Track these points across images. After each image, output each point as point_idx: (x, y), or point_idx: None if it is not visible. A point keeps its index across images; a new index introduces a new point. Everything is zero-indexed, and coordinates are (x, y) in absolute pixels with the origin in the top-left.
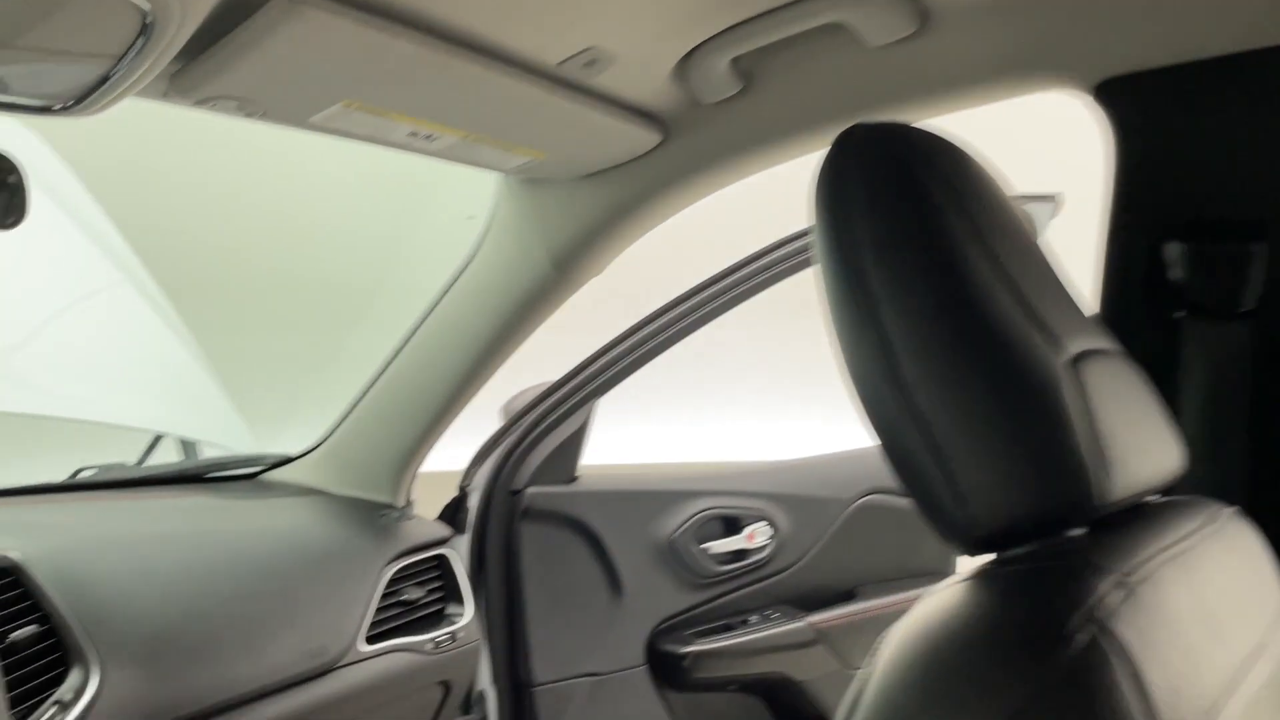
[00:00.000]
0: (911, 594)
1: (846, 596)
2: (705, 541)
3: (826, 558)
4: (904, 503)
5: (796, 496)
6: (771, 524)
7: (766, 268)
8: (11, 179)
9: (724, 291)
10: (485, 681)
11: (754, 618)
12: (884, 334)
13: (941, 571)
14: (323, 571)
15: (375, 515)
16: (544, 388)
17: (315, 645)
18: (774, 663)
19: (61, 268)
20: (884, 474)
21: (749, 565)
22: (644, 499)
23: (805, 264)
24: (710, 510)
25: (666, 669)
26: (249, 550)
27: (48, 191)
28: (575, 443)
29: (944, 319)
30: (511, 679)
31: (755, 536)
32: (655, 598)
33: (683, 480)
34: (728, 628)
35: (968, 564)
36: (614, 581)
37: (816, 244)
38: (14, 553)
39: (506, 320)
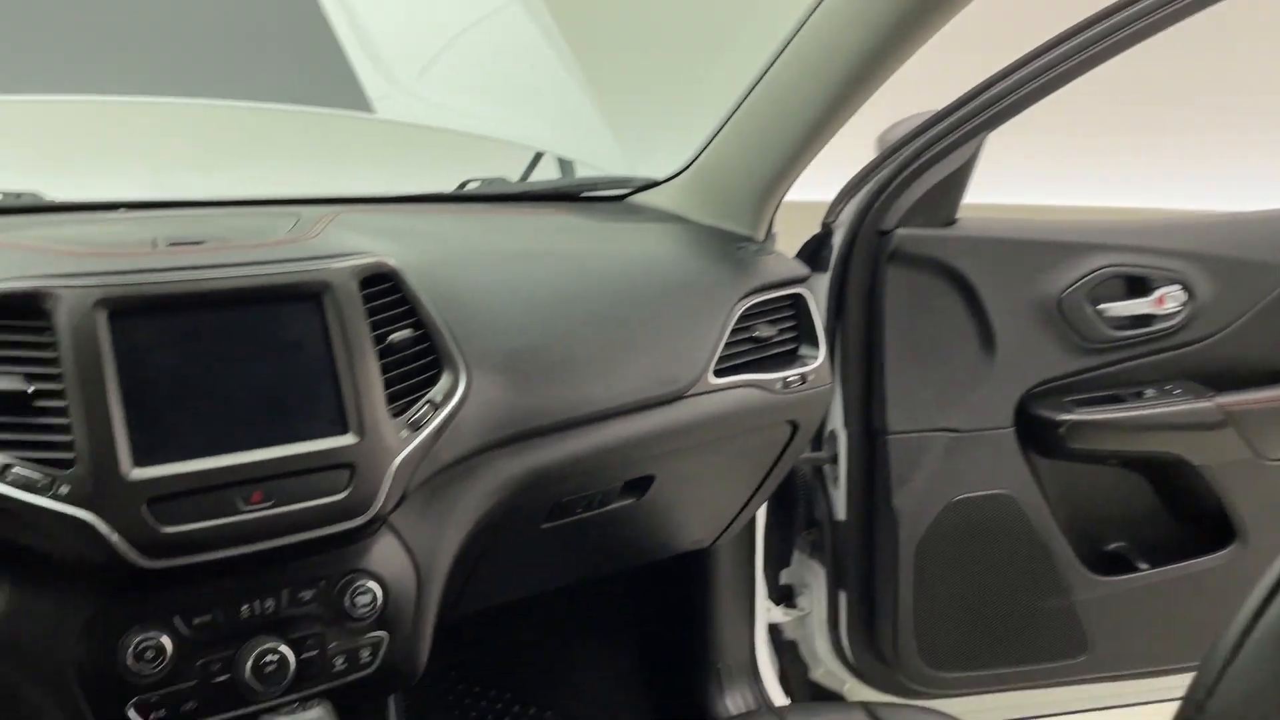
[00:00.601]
0: None
1: (1272, 379)
2: (1101, 302)
3: (1254, 331)
4: None
5: (1226, 258)
6: (1187, 288)
7: None
8: None
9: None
10: (837, 423)
11: (1150, 391)
12: None
13: None
14: (678, 301)
15: (733, 247)
16: (927, 116)
17: (666, 373)
18: (1167, 442)
19: None
20: None
21: (1152, 333)
22: (1032, 250)
23: None
24: (1112, 268)
25: (1037, 434)
26: (611, 274)
27: None
28: (957, 181)
29: None
30: (864, 424)
31: (1165, 301)
32: (1032, 359)
33: (1081, 231)
34: (1115, 399)
35: None
36: (986, 337)
37: None
38: (392, 259)
39: (885, 35)
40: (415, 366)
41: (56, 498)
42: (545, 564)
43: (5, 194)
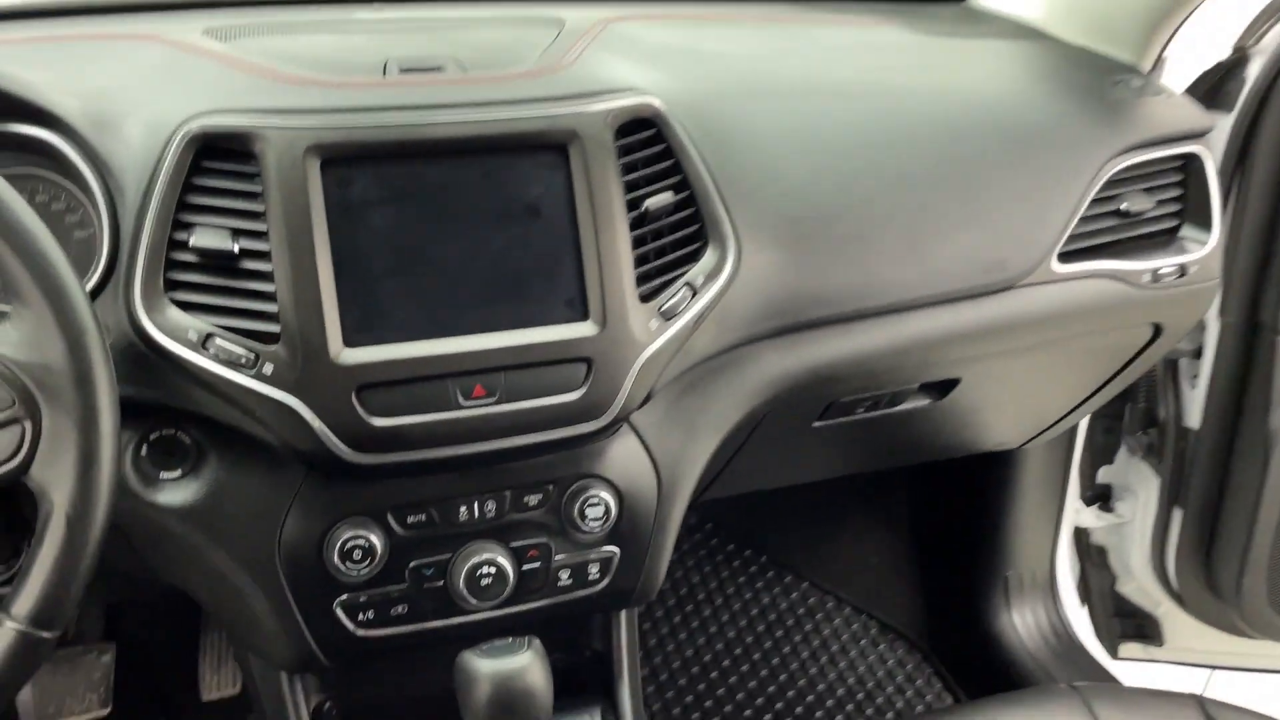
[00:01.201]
0: None
1: None
2: None
3: None
4: None
5: None
6: None
7: None
8: None
9: None
10: (1210, 312)
11: None
12: None
13: None
14: (1021, 158)
15: (1107, 82)
16: None
17: (994, 255)
18: None
19: None
20: None
21: None
22: None
23: None
24: None
25: None
26: (936, 117)
27: None
28: None
29: None
30: (1247, 316)
31: None
32: None
33: None
34: None
35: None
36: None
37: None
38: (659, 99)
39: None
40: (674, 239)
41: (259, 378)
42: (811, 460)
43: None
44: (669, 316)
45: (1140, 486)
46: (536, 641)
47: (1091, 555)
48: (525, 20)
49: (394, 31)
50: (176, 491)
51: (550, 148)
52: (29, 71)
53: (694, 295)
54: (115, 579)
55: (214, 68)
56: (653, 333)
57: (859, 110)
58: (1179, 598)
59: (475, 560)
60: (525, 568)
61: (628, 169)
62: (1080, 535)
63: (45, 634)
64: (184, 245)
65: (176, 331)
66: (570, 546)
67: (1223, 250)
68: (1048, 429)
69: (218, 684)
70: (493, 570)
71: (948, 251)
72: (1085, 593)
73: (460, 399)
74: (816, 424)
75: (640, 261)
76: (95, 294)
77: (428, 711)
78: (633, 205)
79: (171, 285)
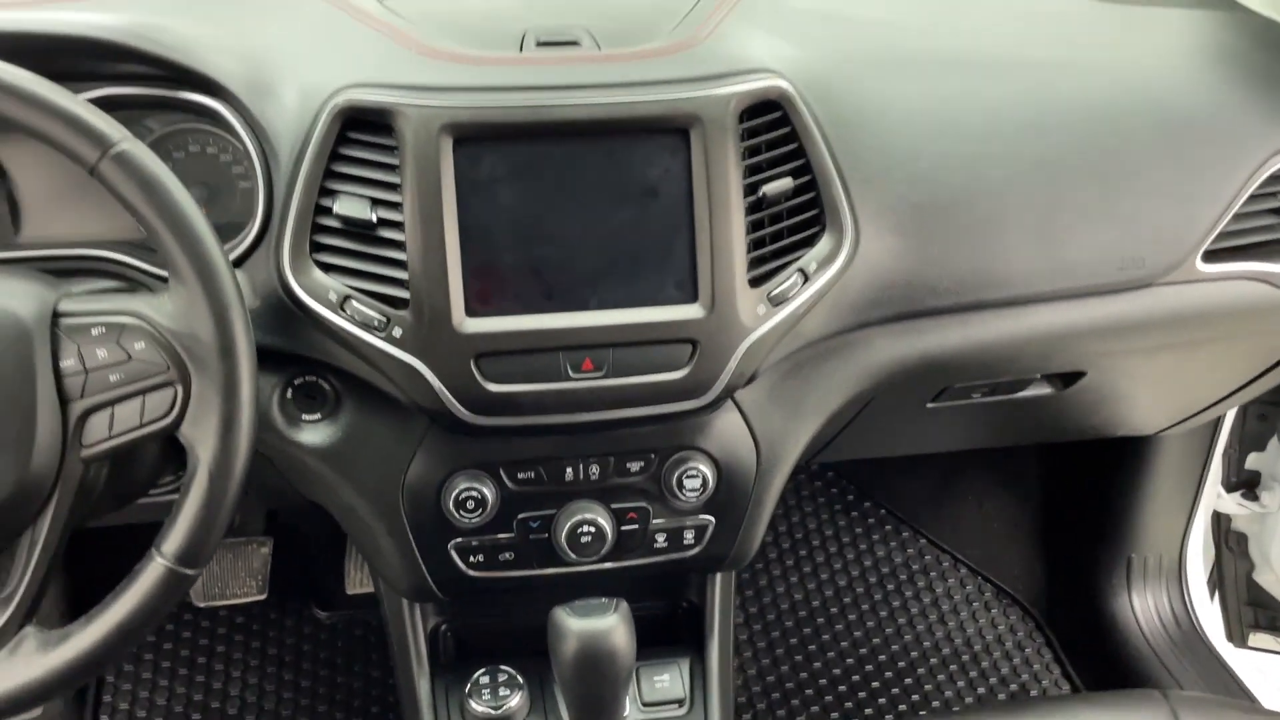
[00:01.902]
0: None
1: None
2: None
3: None
4: None
5: None
6: None
7: None
8: None
9: None
10: None
11: None
12: None
13: None
14: (1174, 147)
15: None
16: None
17: (1131, 252)
18: None
19: None
20: None
21: None
22: None
23: None
24: None
25: None
26: (1083, 97)
27: None
28: None
29: None
30: None
31: None
32: None
33: None
34: None
35: None
36: None
37: None
38: (787, 80)
39: None
40: (790, 224)
41: (389, 340)
42: (925, 435)
43: None
44: (778, 302)
45: None
46: (624, 605)
47: (1230, 542)
48: None
49: None
50: (315, 432)
51: (673, 131)
52: (191, 24)
53: (805, 281)
54: (274, 494)
55: (364, 34)
56: (760, 317)
57: (1002, 88)
58: None
59: (577, 518)
60: (624, 528)
61: (750, 152)
62: (1219, 520)
63: (188, 571)
64: (328, 211)
65: (318, 292)
66: (668, 512)
67: None
68: (1189, 418)
69: (361, 580)
70: (593, 529)
71: (1080, 245)
72: (1219, 578)
73: (570, 371)
74: (930, 405)
75: (754, 245)
76: (251, 251)
77: (529, 641)
78: (751, 189)
79: (316, 248)
